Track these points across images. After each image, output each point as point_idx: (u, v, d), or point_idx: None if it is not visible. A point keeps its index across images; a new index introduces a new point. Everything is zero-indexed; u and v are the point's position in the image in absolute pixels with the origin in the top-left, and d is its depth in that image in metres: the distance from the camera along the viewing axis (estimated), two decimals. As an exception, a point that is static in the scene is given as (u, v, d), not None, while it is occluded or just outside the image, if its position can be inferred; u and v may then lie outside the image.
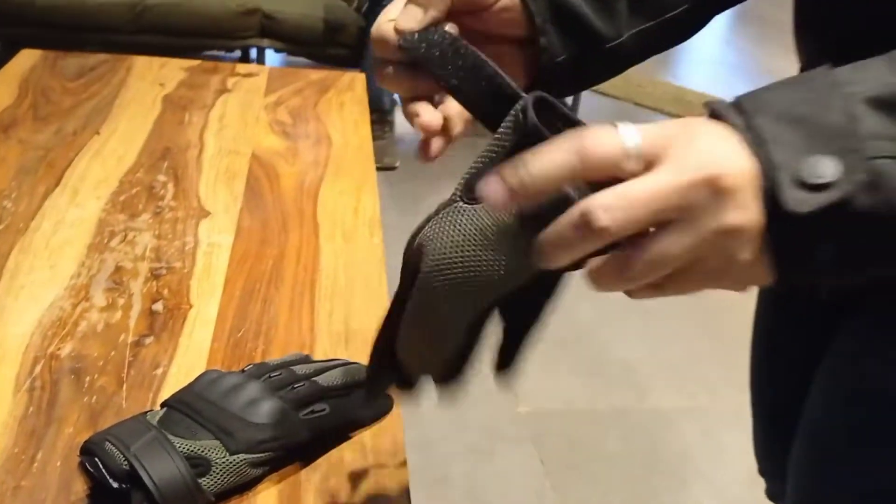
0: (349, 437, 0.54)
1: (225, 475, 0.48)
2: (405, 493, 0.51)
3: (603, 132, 0.30)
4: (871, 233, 0.30)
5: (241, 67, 1.19)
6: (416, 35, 0.40)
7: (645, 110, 3.06)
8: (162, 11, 2.23)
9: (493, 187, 0.30)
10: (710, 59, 3.69)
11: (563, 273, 0.36)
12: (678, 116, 0.31)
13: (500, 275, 0.34)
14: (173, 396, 0.52)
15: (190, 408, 0.50)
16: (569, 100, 2.65)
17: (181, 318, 0.63)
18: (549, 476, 1.43)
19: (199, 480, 0.47)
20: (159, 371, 0.58)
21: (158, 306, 0.65)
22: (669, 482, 1.45)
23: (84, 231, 0.74)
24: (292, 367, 0.56)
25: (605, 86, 2.33)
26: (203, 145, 0.93)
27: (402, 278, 0.39)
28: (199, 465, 0.47)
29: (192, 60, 1.18)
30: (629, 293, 0.32)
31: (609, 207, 0.28)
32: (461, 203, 0.35)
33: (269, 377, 0.54)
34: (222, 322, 0.63)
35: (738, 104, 0.31)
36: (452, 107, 0.44)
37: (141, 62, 1.15)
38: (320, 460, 0.52)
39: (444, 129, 0.44)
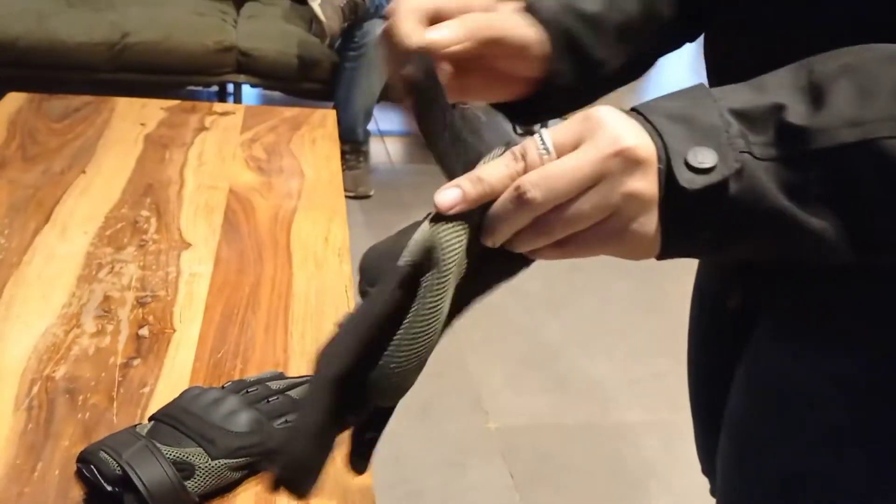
0: (319, 444, 0.60)
1: (208, 478, 0.54)
2: (369, 490, 0.57)
3: (529, 141, 0.37)
4: (740, 216, 0.37)
5: (218, 106, 1.26)
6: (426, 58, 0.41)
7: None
8: (141, 50, 2.29)
9: (462, 193, 0.37)
10: (677, 85, 3.84)
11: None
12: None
13: (470, 264, 0.38)
14: (160, 410, 0.58)
15: (175, 420, 0.56)
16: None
17: (165, 342, 0.70)
18: (519, 488, 1.50)
19: (185, 483, 0.53)
20: (146, 389, 0.64)
21: (144, 331, 0.71)
22: (633, 492, 1.52)
23: (74, 264, 0.79)
24: (267, 383, 0.62)
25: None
26: (183, 181, 0.99)
27: (385, 295, 0.37)
28: (184, 469, 0.53)
29: (172, 101, 1.25)
30: (538, 254, 0.38)
31: (535, 183, 0.35)
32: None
33: (247, 392, 0.61)
34: (203, 344, 0.70)
35: (633, 109, 0.38)
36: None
37: (123, 103, 1.21)
38: (293, 464, 0.58)
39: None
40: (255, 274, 0.81)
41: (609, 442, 1.63)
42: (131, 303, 0.74)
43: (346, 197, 1.58)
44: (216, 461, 0.54)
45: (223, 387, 0.61)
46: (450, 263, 0.37)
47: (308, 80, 2.47)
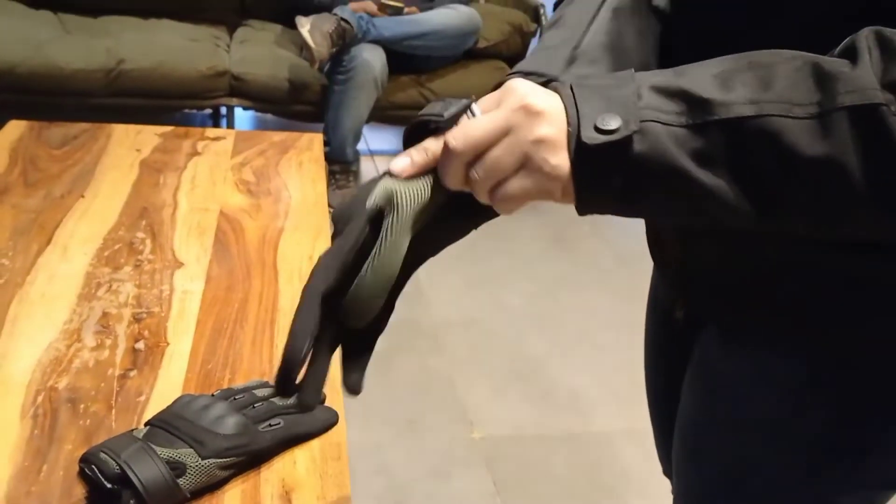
0: (300, 445, 0.66)
1: (198, 476, 0.59)
2: (345, 485, 0.63)
3: (464, 119, 0.46)
4: (644, 172, 0.43)
5: (210, 132, 1.32)
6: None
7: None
8: (136, 76, 2.35)
9: (411, 160, 0.47)
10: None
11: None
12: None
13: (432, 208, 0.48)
14: (155, 416, 0.63)
15: (169, 424, 0.62)
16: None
17: (160, 354, 0.75)
18: (502, 496, 1.54)
19: (178, 481, 0.58)
20: (142, 398, 0.69)
21: (140, 345, 0.76)
22: (612, 499, 1.57)
23: (74, 283, 0.85)
24: (254, 391, 0.68)
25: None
26: (176, 204, 1.05)
27: (353, 236, 0.46)
28: (177, 468, 0.59)
29: (166, 127, 1.31)
30: (496, 206, 0.46)
31: (455, 136, 0.45)
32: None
33: (235, 399, 0.66)
34: (195, 356, 0.75)
35: (567, 81, 0.45)
36: None
37: (119, 130, 1.27)
38: (276, 464, 0.64)
39: None
40: (243, 290, 0.87)
41: (589, 451, 1.68)
42: (128, 319, 0.80)
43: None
44: (206, 461, 0.60)
45: (212, 395, 0.67)
46: (405, 207, 0.46)
47: (299, 102, 2.53)
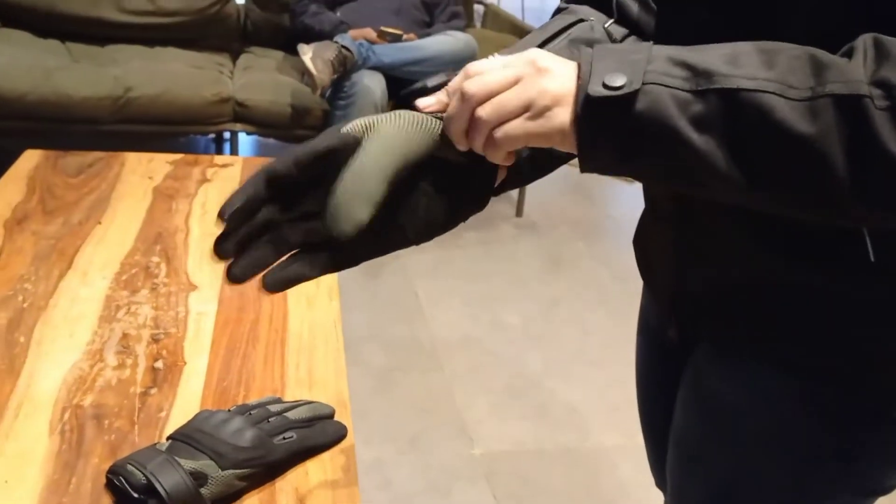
0: (313, 457, 0.70)
1: (219, 486, 0.64)
2: (355, 494, 0.67)
3: (481, 61, 0.51)
4: (643, 129, 0.46)
5: (219, 159, 1.37)
6: None
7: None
8: (143, 102, 2.41)
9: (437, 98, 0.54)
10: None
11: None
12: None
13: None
14: (176, 430, 0.68)
15: (190, 438, 0.66)
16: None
17: (178, 373, 0.80)
18: (502, 511, 1.58)
19: (200, 490, 0.62)
20: (163, 414, 0.74)
21: (159, 364, 0.81)
22: (610, 512, 1.60)
23: (94, 306, 0.90)
24: (267, 406, 0.72)
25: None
26: (189, 229, 1.10)
27: (319, 143, 0.51)
28: (199, 478, 0.63)
29: (176, 154, 1.36)
30: (487, 153, 0.51)
31: (472, 82, 0.49)
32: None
33: (250, 414, 0.71)
34: (211, 374, 0.80)
35: (595, 45, 0.50)
36: None
37: (132, 158, 1.32)
38: (290, 475, 0.68)
39: None
40: (254, 312, 0.91)
41: (587, 465, 1.72)
42: (147, 339, 0.84)
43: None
44: (226, 471, 0.64)
45: (229, 410, 0.71)
46: (388, 131, 0.51)
47: (301, 127, 2.59)
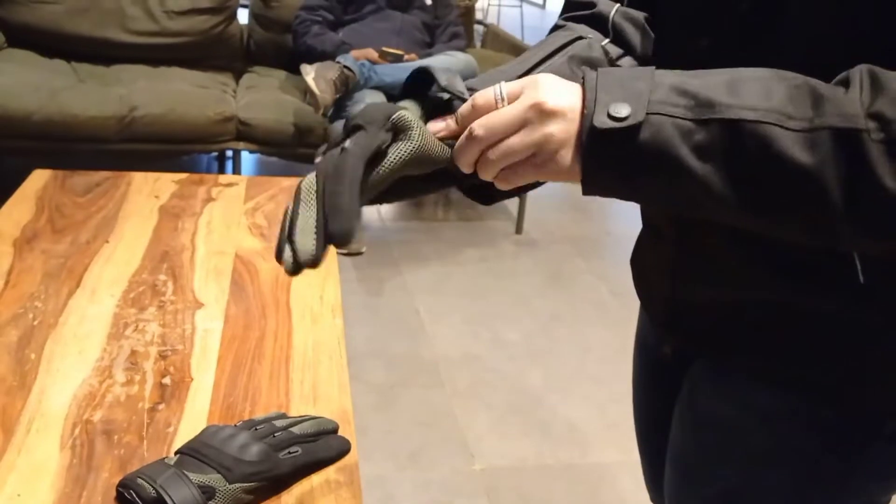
0: (317, 471, 0.72)
1: (226, 500, 0.65)
2: (358, 508, 0.69)
3: (488, 91, 0.52)
4: (646, 157, 0.47)
5: (223, 178, 1.40)
6: None
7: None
8: (148, 121, 2.45)
9: (446, 124, 0.55)
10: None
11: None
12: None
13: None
14: (185, 445, 0.69)
15: (198, 452, 0.68)
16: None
17: (185, 389, 0.81)
18: (503, 527, 1.58)
19: (208, 503, 0.64)
20: (171, 429, 0.75)
21: (167, 380, 0.82)
22: (611, 528, 1.61)
23: (103, 323, 0.91)
24: (273, 422, 0.74)
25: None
26: (195, 248, 1.12)
27: (377, 141, 0.51)
28: (207, 492, 0.64)
29: (182, 174, 1.38)
30: (496, 182, 0.53)
31: (480, 125, 0.51)
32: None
33: (256, 429, 0.72)
34: (217, 390, 0.81)
35: (598, 69, 0.51)
36: None
37: (138, 178, 1.35)
38: (295, 488, 0.69)
39: None
40: (259, 329, 0.93)
41: (587, 481, 1.73)
42: (154, 356, 0.86)
43: (340, 254, 1.71)
44: (233, 485, 0.66)
45: (236, 425, 0.73)
46: (417, 140, 0.53)
47: (303, 145, 2.63)
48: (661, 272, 0.72)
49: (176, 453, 0.69)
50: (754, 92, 0.47)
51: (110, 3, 2.76)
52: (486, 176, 0.53)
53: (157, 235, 1.14)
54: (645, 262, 0.77)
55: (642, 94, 0.48)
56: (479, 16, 4.32)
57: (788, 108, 0.46)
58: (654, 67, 0.51)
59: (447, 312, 2.35)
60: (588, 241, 2.93)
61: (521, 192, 0.62)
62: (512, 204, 3.01)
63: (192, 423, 0.76)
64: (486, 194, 0.61)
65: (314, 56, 2.63)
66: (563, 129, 0.49)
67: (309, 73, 2.42)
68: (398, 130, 0.53)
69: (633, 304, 0.85)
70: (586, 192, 0.51)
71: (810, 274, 0.59)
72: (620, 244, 2.93)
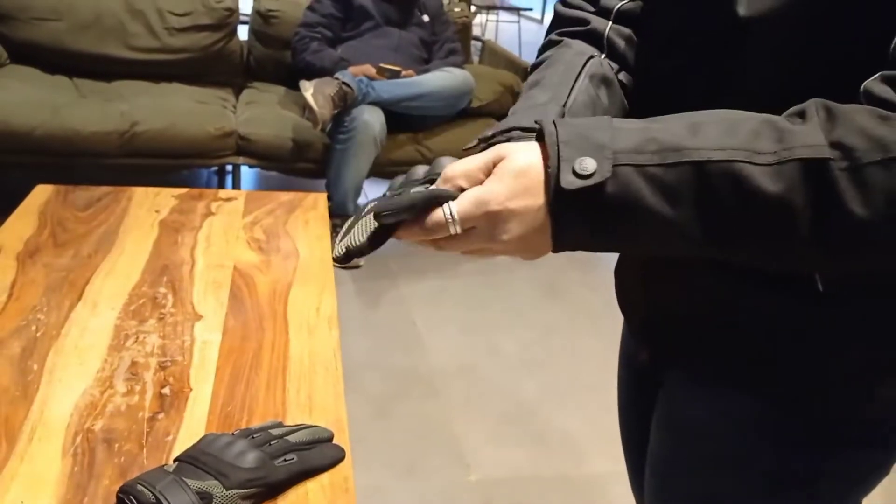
0: (312, 478, 0.74)
1: (223, 505, 0.67)
2: (352, 514, 0.71)
3: (437, 212, 0.52)
4: (616, 209, 0.48)
5: (223, 193, 1.42)
6: None
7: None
8: (148, 137, 2.48)
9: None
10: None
11: None
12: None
13: None
14: (183, 453, 0.71)
15: (196, 460, 0.70)
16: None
17: (184, 399, 0.83)
18: (498, 537, 1.59)
19: (205, 509, 0.66)
20: (170, 438, 0.77)
21: (166, 390, 0.84)
22: (605, 538, 1.61)
23: (104, 335, 0.93)
24: (269, 430, 0.75)
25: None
26: (194, 261, 1.13)
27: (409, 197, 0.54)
28: (205, 498, 0.66)
29: (181, 189, 1.40)
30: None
31: (448, 246, 0.53)
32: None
33: (253, 437, 0.74)
34: (216, 400, 0.83)
35: (555, 121, 0.51)
36: None
37: (139, 192, 1.37)
38: (291, 494, 0.71)
39: None
40: (257, 340, 0.95)
41: (582, 491, 1.74)
42: (154, 367, 0.88)
43: (338, 267, 1.73)
44: (230, 491, 0.67)
45: (233, 433, 0.75)
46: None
47: (302, 160, 2.66)
48: (636, 282, 0.75)
49: (175, 461, 0.70)
50: (716, 132, 0.48)
51: (112, 20, 2.80)
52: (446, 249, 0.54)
53: (158, 249, 1.16)
54: (624, 273, 0.79)
55: (605, 146, 0.48)
56: (477, 31, 4.37)
57: (754, 143, 0.48)
58: (609, 116, 0.52)
59: (444, 324, 2.37)
60: (583, 255, 2.94)
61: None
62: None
63: (190, 431, 0.78)
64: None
65: (313, 72, 2.67)
66: (527, 225, 0.50)
67: (308, 89, 2.46)
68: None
69: (626, 316, 0.87)
70: (557, 249, 0.51)
71: (771, 284, 0.61)
72: (614, 257, 2.95)
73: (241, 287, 1.08)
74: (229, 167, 2.74)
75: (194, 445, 0.72)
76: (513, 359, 2.23)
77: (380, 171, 2.70)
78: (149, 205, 1.32)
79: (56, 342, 0.91)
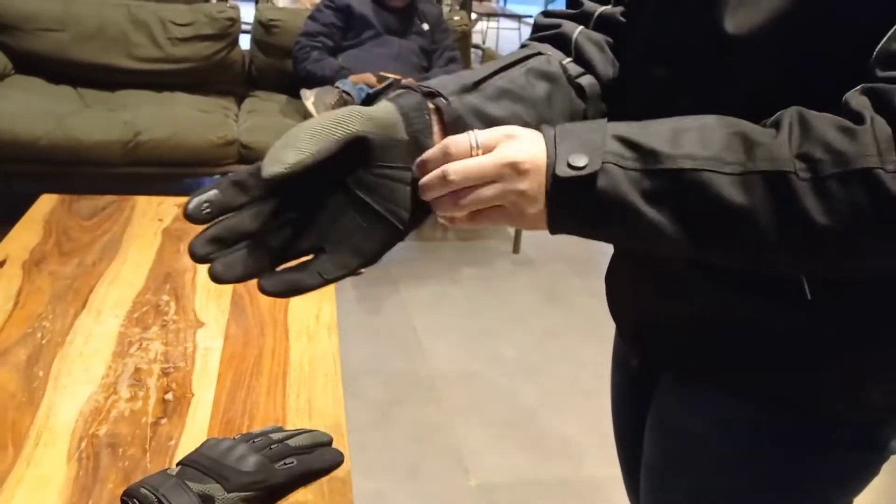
0: (312, 482, 0.75)
1: (224, 508, 0.69)
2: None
3: (462, 137, 0.53)
4: (604, 203, 0.51)
5: (225, 201, 1.44)
6: None
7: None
8: (151, 146, 2.50)
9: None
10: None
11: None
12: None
13: None
14: (186, 457, 0.73)
15: (198, 463, 0.71)
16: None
17: (186, 404, 0.85)
18: (498, 541, 1.60)
19: (207, 511, 0.68)
20: (172, 442, 0.79)
21: (169, 396, 0.86)
22: (605, 542, 1.62)
23: (108, 342, 0.95)
24: (270, 435, 0.77)
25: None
26: (196, 269, 1.14)
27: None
28: (207, 500, 0.68)
29: (184, 197, 1.42)
30: (456, 222, 0.55)
31: (456, 171, 0.53)
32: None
33: (253, 441, 0.76)
34: (217, 405, 0.85)
35: (555, 127, 0.54)
36: None
37: (142, 201, 1.39)
38: (290, 498, 0.73)
39: None
40: (258, 347, 0.96)
41: (581, 495, 1.75)
42: (157, 373, 0.90)
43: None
44: (231, 494, 0.69)
45: (234, 438, 0.76)
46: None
47: (303, 168, 2.67)
48: (627, 289, 0.76)
49: (177, 464, 0.72)
50: (692, 141, 0.51)
51: (115, 31, 2.83)
52: (446, 213, 0.55)
53: (161, 257, 1.18)
54: (615, 280, 0.81)
55: (597, 145, 0.52)
56: (478, 38, 4.39)
57: (723, 154, 0.51)
58: (606, 120, 0.55)
59: (444, 330, 2.39)
60: (584, 261, 2.97)
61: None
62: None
63: (192, 436, 0.80)
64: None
65: (314, 81, 2.69)
66: (534, 187, 0.53)
67: (308, 97, 2.48)
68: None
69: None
70: (553, 230, 0.54)
71: (761, 291, 0.63)
72: (616, 262, 2.97)
73: (243, 295, 1.09)
74: (231, 175, 2.75)
75: (196, 449, 0.74)
76: (513, 364, 2.24)
77: (380, 178, 2.71)
78: (152, 214, 1.34)
79: (61, 349, 0.93)
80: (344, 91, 2.53)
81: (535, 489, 1.76)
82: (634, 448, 0.85)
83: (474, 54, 3.76)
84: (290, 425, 0.82)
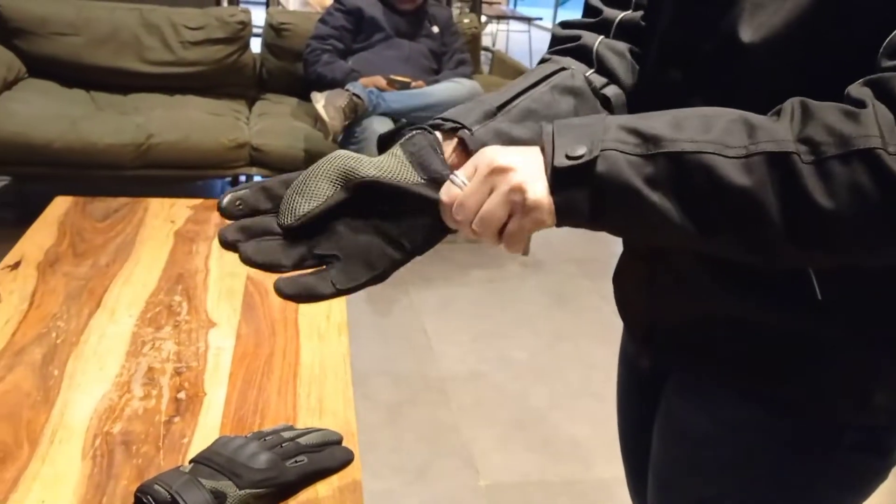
0: (322, 479, 0.76)
1: (236, 504, 0.70)
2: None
3: (445, 185, 0.55)
4: (606, 190, 0.51)
5: (236, 203, 1.45)
6: None
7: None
8: (164, 148, 2.52)
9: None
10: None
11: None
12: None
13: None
14: (198, 454, 0.74)
15: (210, 461, 0.72)
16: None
17: (199, 403, 0.86)
18: (507, 542, 1.60)
19: (219, 508, 0.69)
20: (185, 440, 0.80)
21: (182, 395, 0.87)
22: (614, 544, 1.62)
23: (122, 342, 0.97)
24: (281, 433, 0.78)
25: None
26: (208, 270, 1.17)
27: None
28: (219, 497, 0.69)
29: (196, 199, 1.44)
30: (508, 249, 0.56)
31: (457, 210, 0.54)
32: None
33: (265, 440, 0.77)
34: (229, 404, 0.86)
35: (553, 122, 0.54)
36: None
37: (155, 203, 1.40)
38: (301, 495, 0.74)
39: None
40: (269, 347, 0.98)
41: (589, 497, 1.75)
42: (170, 372, 0.91)
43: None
44: (243, 491, 0.70)
45: (246, 436, 0.78)
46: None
47: (313, 170, 2.69)
48: (637, 290, 0.76)
49: (190, 462, 0.73)
50: (694, 126, 0.52)
51: (128, 35, 2.85)
52: (490, 242, 0.56)
53: (173, 258, 1.20)
54: (624, 281, 0.81)
55: (596, 135, 0.52)
56: (487, 41, 4.40)
57: (726, 138, 0.51)
58: (606, 114, 0.56)
59: (454, 332, 2.39)
60: (593, 263, 2.97)
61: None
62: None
63: (205, 434, 0.81)
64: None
65: (324, 84, 2.71)
66: (528, 174, 0.53)
67: (319, 100, 2.50)
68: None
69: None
70: (559, 223, 0.54)
71: (770, 292, 0.63)
72: (625, 264, 2.96)
73: (254, 295, 1.10)
74: (243, 178, 2.78)
75: (209, 447, 0.75)
76: (522, 366, 2.25)
77: (390, 180, 2.73)
78: (164, 215, 1.36)
79: (76, 348, 0.94)
80: (354, 94, 2.55)
81: (544, 490, 1.77)
82: (640, 449, 0.86)
83: (484, 57, 3.77)
84: (301, 424, 0.83)
